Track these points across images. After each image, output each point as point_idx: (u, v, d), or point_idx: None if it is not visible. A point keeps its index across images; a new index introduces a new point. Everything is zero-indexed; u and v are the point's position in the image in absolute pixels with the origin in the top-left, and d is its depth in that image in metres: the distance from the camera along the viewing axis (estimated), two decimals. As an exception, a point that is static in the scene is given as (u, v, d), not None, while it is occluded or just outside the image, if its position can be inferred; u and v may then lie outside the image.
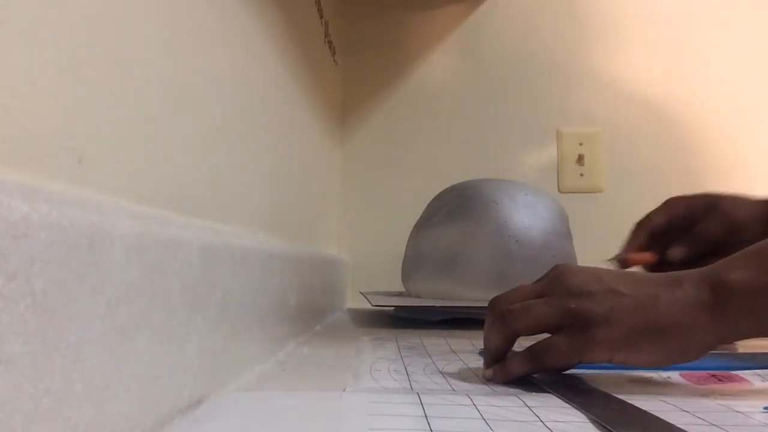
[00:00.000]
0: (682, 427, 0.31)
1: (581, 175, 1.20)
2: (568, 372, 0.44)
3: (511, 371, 0.43)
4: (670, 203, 0.68)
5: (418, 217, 0.97)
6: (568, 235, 0.90)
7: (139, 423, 0.27)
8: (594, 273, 0.43)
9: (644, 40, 1.22)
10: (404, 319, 0.89)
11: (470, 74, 1.25)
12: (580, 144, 1.21)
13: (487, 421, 0.31)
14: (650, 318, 0.39)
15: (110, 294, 0.24)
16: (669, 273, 0.43)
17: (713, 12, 1.22)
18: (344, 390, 0.39)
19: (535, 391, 0.40)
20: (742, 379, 0.46)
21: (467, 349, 0.59)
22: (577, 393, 0.39)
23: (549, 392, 0.39)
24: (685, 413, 0.34)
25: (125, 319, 0.25)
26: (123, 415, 0.25)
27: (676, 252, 0.63)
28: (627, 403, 0.36)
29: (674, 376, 0.47)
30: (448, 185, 0.96)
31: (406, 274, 0.94)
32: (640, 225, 0.68)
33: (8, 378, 0.18)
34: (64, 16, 0.25)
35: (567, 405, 0.36)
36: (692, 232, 0.64)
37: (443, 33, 1.26)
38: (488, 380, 0.44)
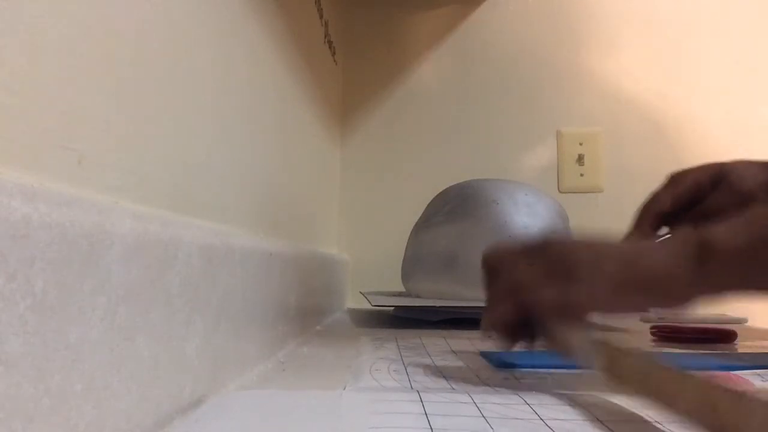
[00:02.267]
0: (683, 425, 0.31)
1: (581, 175, 1.20)
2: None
3: (498, 317, 0.45)
4: (676, 179, 0.65)
5: (418, 217, 0.97)
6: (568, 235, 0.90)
7: (139, 423, 0.27)
8: (585, 244, 0.44)
9: (644, 41, 1.22)
10: (404, 319, 0.89)
11: (470, 74, 1.25)
12: (580, 144, 1.21)
13: (488, 419, 0.31)
14: (635, 267, 0.41)
15: (110, 294, 0.24)
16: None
17: (713, 14, 1.22)
18: (344, 388, 0.39)
19: (536, 391, 0.40)
20: (742, 380, 0.46)
21: (467, 349, 0.59)
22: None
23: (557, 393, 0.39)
24: (685, 413, 0.34)
25: (125, 319, 0.25)
26: (123, 415, 0.25)
27: None
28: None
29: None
30: (448, 185, 0.96)
31: (406, 274, 0.94)
32: (646, 208, 0.66)
33: (8, 378, 0.18)
34: (65, 16, 0.25)
35: (567, 403, 0.36)
36: (700, 208, 0.61)
37: (443, 33, 1.26)
38: (488, 336, 0.46)
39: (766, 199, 0.57)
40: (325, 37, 1.01)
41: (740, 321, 0.98)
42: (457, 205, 0.89)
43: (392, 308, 0.92)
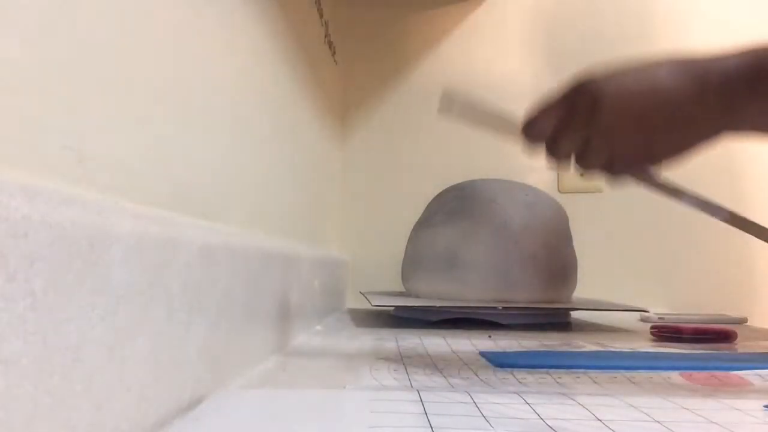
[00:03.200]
0: (683, 424, 0.31)
1: (581, 175, 1.20)
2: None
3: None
4: None
5: (418, 217, 0.97)
6: (568, 235, 0.90)
7: (139, 423, 0.27)
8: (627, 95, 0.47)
9: (645, 39, 1.22)
10: (404, 319, 0.89)
11: (470, 74, 1.25)
12: (580, 144, 1.20)
13: (488, 419, 0.31)
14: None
15: (110, 294, 0.24)
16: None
17: (714, 10, 1.22)
18: (345, 388, 0.39)
19: (536, 391, 0.40)
20: (742, 379, 0.46)
21: (467, 349, 0.59)
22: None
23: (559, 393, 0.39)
24: (686, 411, 0.35)
25: (125, 319, 0.25)
26: (123, 415, 0.25)
27: None
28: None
29: (674, 376, 0.47)
30: (448, 185, 0.96)
31: (406, 274, 0.94)
32: None
33: (8, 378, 0.18)
34: (64, 15, 0.25)
35: (567, 403, 0.36)
36: None
37: (443, 33, 1.26)
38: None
39: None
40: (325, 37, 1.01)
41: (740, 321, 0.98)
42: (457, 205, 0.89)
43: (392, 308, 0.92)
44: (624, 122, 0.45)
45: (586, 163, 0.47)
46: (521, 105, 1.29)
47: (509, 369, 0.49)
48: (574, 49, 1.23)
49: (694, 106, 0.45)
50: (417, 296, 0.90)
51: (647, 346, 0.65)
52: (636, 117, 0.45)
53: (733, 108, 0.44)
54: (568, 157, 0.47)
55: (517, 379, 0.45)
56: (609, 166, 0.46)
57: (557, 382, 0.44)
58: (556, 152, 0.47)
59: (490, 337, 0.70)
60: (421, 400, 0.35)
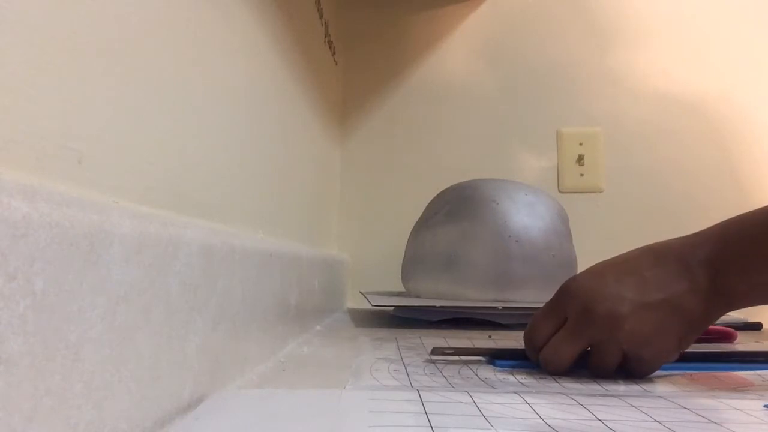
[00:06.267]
0: (683, 424, 0.31)
1: (581, 175, 1.20)
2: None
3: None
4: None
5: (418, 217, 0.97)
6: (568, 235, 0.90)
7: (139, 423, 0.27)
8: (599, 289, 0.46)
9: (645, 39, 1.22)
10: (404, 319, 0.89)
11: (470, 75, 1.25)
12: (580, 144, 1.21)
13: (488, 419, 0.31)
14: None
15: (110, 294, 0.24)
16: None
17: (714, 9, 1.22)
18: (344, 388, 0.39)
19: (536, 391, 0.40)
20: (742, 379, 0.46)
21: (467, 349, 0.59)
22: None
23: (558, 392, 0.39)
24: (686, 410, 0.35)
25: (125, 319, 0.25)
26: (123, 415, 0.25)
27: None
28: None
29: (674, 376, 0.47)
30: (448, 185, 0.96)
31: (406, 274, 0.94)
32: None
33: (8, 378, 0.18)
34: (64, 16, 0.25)
35: (567, 403, 0.36)
36: None
37: (443, 33, 1.26)
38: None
39: None
40: (325, 37, 1.01)
41: (740, 322, 0.98)
42: (457, 205, 0.89)
43: (392, 308, 0.92)
44: (622, 320, 0.44)
45: (601, 366, 0.46)
46: (521, 105, 1.29)
47: (509, 369, 0.49)
48: (573, 49, 1.23)
49: (682, 282, 0.45)
50: (417, 296, 0.90)
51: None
52: (631, 311, 0.45)
53: (725, 286, 0.45)
54: (569, 362, 0.46)
55: (517, 379, 0.45)
56: (632, 366, 0.46)
57: (557, 382, 0.44)
58: (557, 359, 0.46)
59: (490, 337, 0.70)
60: (421, 400, 0.35)
